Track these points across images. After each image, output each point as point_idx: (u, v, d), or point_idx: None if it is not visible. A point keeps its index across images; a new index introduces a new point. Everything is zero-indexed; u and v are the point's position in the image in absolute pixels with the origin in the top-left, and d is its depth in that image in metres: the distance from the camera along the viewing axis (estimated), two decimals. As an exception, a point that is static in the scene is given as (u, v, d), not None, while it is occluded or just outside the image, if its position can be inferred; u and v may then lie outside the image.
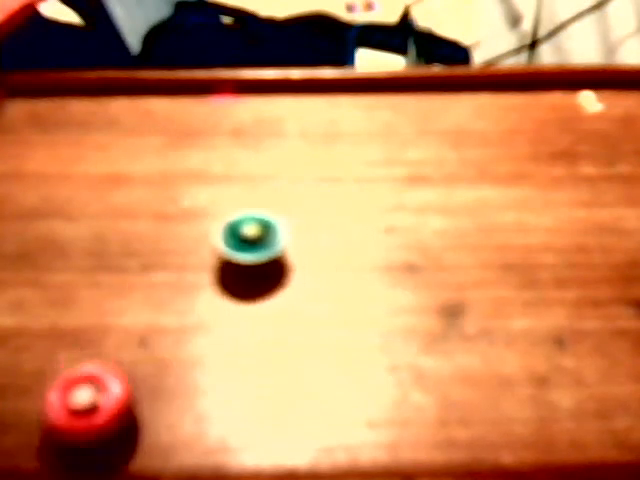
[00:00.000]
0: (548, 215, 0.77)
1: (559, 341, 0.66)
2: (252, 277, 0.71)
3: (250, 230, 0.71)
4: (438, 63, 1.56)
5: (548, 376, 0.63)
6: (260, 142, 0.86)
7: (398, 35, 1.58)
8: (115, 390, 0.57)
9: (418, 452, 0.59)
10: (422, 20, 1.58)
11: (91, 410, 0.56)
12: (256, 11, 1.58)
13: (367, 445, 0.59)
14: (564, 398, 0.62)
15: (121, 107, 0.90)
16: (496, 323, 0.67)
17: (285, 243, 0.71)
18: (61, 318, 0.68)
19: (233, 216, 0.72)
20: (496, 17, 1.59)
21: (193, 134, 0.87)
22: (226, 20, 1.58)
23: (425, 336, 0.66)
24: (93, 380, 0.58)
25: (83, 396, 0.56)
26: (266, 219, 0.72)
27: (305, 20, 1.58)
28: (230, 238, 0.70)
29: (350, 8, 1.62)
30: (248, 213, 0.73)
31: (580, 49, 1.54)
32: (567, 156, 0.84)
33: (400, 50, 1.56)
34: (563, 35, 1.55)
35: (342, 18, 1.60)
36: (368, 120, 0.89)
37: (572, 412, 0.61)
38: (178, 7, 1.60)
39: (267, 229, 0.71)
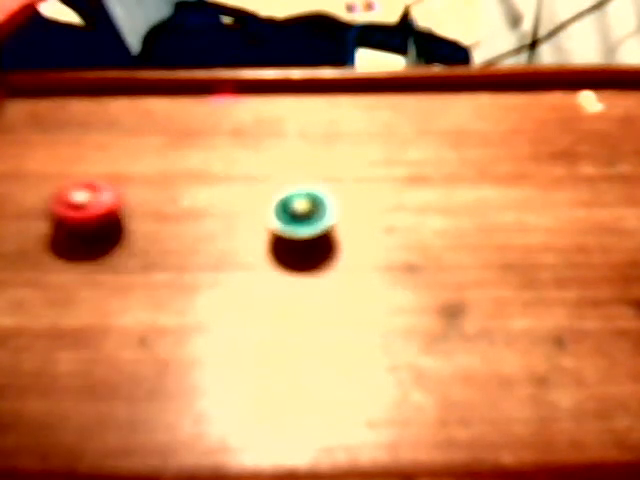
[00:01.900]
0: (548, 215, 0.77)
1: (559, 341, 0.66)
2: (304, 251, 0.73)
3: (301, 205, 0.72)
4: (438, 63, 1.56)
5: (548, 376, 0.63)
6: (260, 142, 0.86)
7: (398, 35, 1.58)
8: (106, 196, 0.74)
9: (418, 452, 0.59)
10: (422, 20, 1.58)
11: (85, 206, 0.73)
12: (256, 11, 1.58)
13: (367, 445, 0.59)
14: (564, 398, 0.62)
15: (121, 107, 0.90)
16: (496, 323, 0.67)
17: (335, 217, 0.73)
18: (61, 318, 0.68)
19: (283, 193, 0.74)
20: (496, 17, 1.59)
21: (193, 134, 0.87)
22: (226, 20, 1.58)
23: (425, 336, 0.66)
24: (91, 187, 0.75)
25: (80, 196, 0.73)
26: (315, 194, 0.74)
27: (305, 20, 1.58)
28: (282, 214, 0.73)
29: (350, 8, 1.62)
30: (297, 189, 0.75)
31: (580, 49, 1.54)
32: (567, 156, 0.84)
33: (400, 50, 1.56)
34: (563, 35, 1.55)
35: (342, 18, 1.60)
36: (368, 120, 0.89)
37: (572, 412, 0.61)
38: (178, 7, 1.60)
39: (316, 204, 0.73)
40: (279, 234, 0.72)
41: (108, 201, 0.74)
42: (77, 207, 0.73)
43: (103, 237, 0.74)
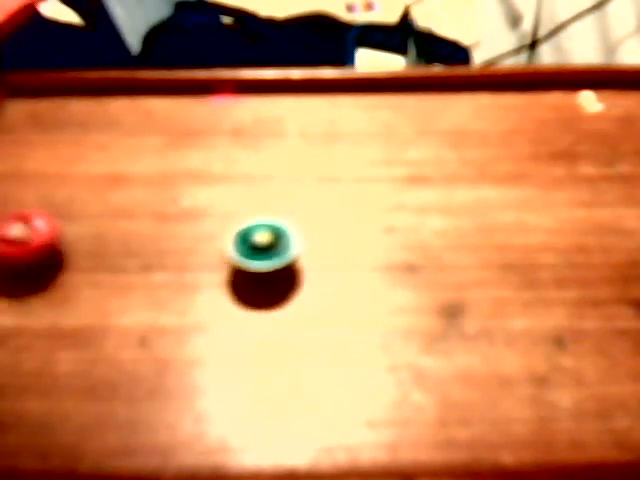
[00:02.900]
0: (548, 215, 0.77)
1: (559, 341, 0.66)
2: (264, 283, 0.71)
3: (262, 237, 0.70)
4: (438, 63, 1.56)
5: (548, 376, 0.63)
6: (260, 142, 0.86)
7: (398, 35, 1.57)
8: (42, 227, 0.71)
9: (418, 452, 0.59)
10: (422, 20, 1.58)
11: (22, 241, 0.70)
12: (256, 11, 1.58)
13: (367, 445, 0.59)
14: (564, 398, 0.62)
15: (121, 107, 0.90)
16: (496, 323, 0.67)
17: (298, 250, 0.70)
18: (61, 318, 0.68)
19: (244, 223, 0.72)
20: (496, 17, 1.59)
21: (193, 134, 0.87)
22: (226, 20, 1.58)
23: (425, 336, 0.66)
24: (24, 218, 0.72)
25: (16, 230, 0.71)
26: (278, 225, 0.72)
27: (305, 20, 1.58)
28: (241, 245, 0.70)
29: (350, 8, 1.62)
30: (259, 220, 0.72)
31: (580, 49, 1.54)
32: (567, 156, 0.84)
33: (400, 50, 1.56)
34: (563, 35, 1.55)
35: (342, 18, 1.60)
36: (368, 120, 0.89)
37: (572, 412, 0.61)
38: (178, 7, 1.60)
39: (279, 236, 0.71)
40: (237, 266, 0.70)
41: (44, 233, 0.71)
42: (13, 242, 0.70)
43: (41, 270, 0.71)
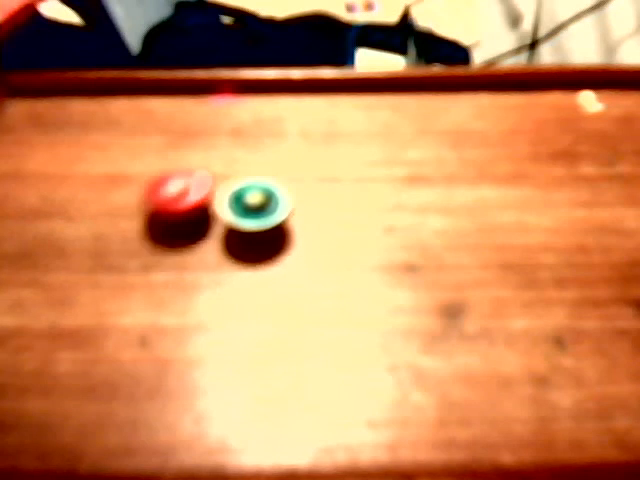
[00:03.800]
0: (548, 215, 0.77)
1: (559, 341, 0.66)
2: (256, 244, 0.74)
3: (254, 198, 0.73)
4: (438, 63, 1.56)
5: (548, 376, 0.63)
6: (260, 142, 0.86)
7: (398, 35, 1.57)
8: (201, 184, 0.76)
9: (418, 452, 0.59)
10: (422, 20, 1.58)
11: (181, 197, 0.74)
12: (256, 11, 1.58)
13: (367, 445, 0.59)
14: (564, 398, 0.62)
15: (121, 107, 0.90)
16: (496, 323, 0.67)
17: (288, 210, 0.73)
18: (61, 318, 0.68)
19: (237, 184, 0.75)
20: (496, 17, 1.59)
21: (193, 134, 0.87)
22: (226, 20, 1.58)
23: (425, 336, 0.66)
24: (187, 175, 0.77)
25: (177, 185, 0.75)
26: (269, 187, 0.75)
27: (305, 20, 1.58)
28: (235, 206, 0.73)
29: (350, 8, 1.62)
30: (251, 181, 0.75)
31: (580, 49, 1.54)
32: (567, 156, 0.84)
33: (400, 50, 1.56)
34: (563, 35, 1.55)
35: (342, 18, 1.60)
36: (368, 120, 0.89)
37: (572, 412, 0.61)
38: (178, 7, 1.60)
39: (270, 197, 0.74)
40: (231, 226, 0.73)
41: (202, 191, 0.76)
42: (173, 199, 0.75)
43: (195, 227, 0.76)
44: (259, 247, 0.74)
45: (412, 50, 1.56)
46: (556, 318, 0.68)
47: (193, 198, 0.75)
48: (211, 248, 0.74)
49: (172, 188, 0.75)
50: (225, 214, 0.72)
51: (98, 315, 0.68)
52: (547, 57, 1.58)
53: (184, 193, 0.74)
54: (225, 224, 0.74)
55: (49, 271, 0.72)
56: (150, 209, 0.76)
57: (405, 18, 1.59)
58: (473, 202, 0.79)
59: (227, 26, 1.58)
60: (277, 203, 0.73)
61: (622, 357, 0.65)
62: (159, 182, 0.76)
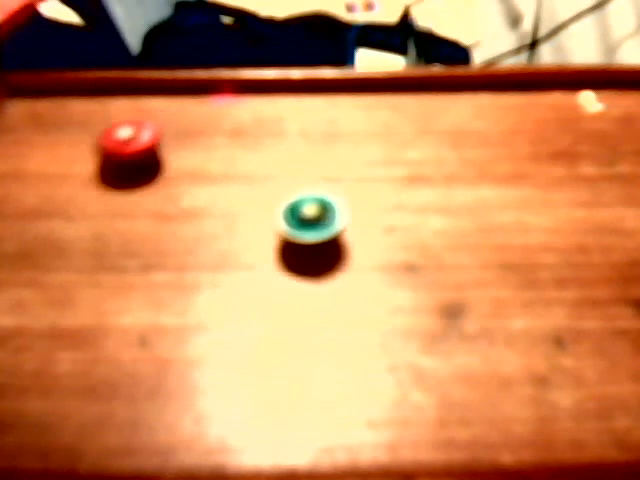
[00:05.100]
0: (548, 215, 0.77)
1: (559, 341, 0.66)
2: (312, 256, 0.73)
3: (310, 210, 0.73)
4: (438, 63, 1.56)
5: (548, 376, 0.63)
6: (260, 142, 0.86)
7: (398, 35, 1.58)
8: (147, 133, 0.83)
9: (418, 452, 0.59)
10: (422, 20, 1.58)
11: (130, 141, 0.82)
12: (256, 11, 1.58)
13: (367, 445, 0.59)
14: (564, 398, 0.62)
15: (121, 107, 0.90)
16: (496, 323, 0.67)
17: (345, 222, 0.73)
18: (61, 318, 0.68)
19: (292, 197, 0.75)
20: (496, 17, 1.59)
21: (193, 134, 0.87)
22: (226, 20, 1.58)
23: (425, 336, 0.66)
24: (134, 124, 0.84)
25: (126, 132, 0.83)
26: (325, 199, 0.75)
27: (305, 20, 1.58)
28: (290, 218, 0.73)
29: (350, 8, 1.62)
30: (307, 194, 0.75)
31: (580, 49, 1.54)
32: (567, 156, 0.84)
33: (400, 50, 1.56)
34: (563, 35, 1.55)
35: (342, 18, 1.60)
36: (368, 120, 0.89)
37: (572, 412, 0.61)
38: (178, 7, 1.60)
39: (326, 209, 0.74)
40: (287, 238, 0.72)
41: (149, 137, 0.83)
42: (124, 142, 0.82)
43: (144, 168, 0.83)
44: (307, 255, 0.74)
45: (412, 50, 1.56)
46: (556, 318, 0.68)
47: (140, 142, 0.82)
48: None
49: (122, 134, 0.82)
50: (281, 226, 0.72)
51: (98, 315, 0.68)
52: (547, 57, 1.58)
53: (133, 138, 0.82)
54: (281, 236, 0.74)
55: (49, 271, 0.72)
56: (102, 153, 0.83)
57: (405, 18, 1.59)
58: (473, 202, 0.79)
59: (227, 26, 1.58)
60: (333, 215, 0.73)
61: (622, 357, 0.65)
62: (111, 130, 0.83)
